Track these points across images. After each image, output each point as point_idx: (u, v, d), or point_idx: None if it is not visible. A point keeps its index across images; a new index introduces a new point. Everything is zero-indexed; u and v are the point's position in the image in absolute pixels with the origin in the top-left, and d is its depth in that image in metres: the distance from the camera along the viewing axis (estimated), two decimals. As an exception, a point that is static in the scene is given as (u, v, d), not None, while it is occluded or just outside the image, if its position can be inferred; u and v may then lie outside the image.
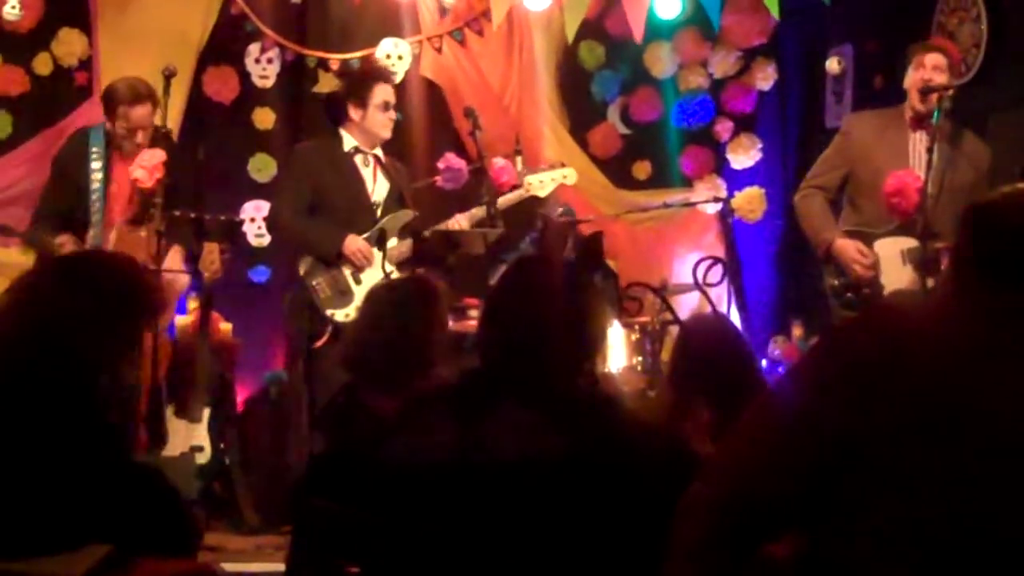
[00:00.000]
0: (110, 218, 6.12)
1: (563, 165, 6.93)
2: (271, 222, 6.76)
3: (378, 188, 6.34)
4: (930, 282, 5.51)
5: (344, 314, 6.07)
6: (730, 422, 2.32)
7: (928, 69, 5.92)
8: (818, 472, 2.14)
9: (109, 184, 6.14)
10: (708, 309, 6.67)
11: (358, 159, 6.32)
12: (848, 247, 5.87)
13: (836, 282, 5.95)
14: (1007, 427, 2.05)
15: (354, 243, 6.12)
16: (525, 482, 2.76)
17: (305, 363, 6.24)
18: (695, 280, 6.64)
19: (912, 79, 5.99)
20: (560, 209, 7.55)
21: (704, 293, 6.61)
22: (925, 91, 5.86)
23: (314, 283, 6.11)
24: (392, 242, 6.17)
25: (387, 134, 6.36)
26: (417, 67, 8.03)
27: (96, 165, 6.16)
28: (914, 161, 5.94)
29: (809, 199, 6.16)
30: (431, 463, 2.86)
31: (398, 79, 7.62)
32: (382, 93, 6.30)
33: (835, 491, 2.12)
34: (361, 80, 6.44)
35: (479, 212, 6.28)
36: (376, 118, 6.28)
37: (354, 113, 6.28)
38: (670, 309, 6.31)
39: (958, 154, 5.85)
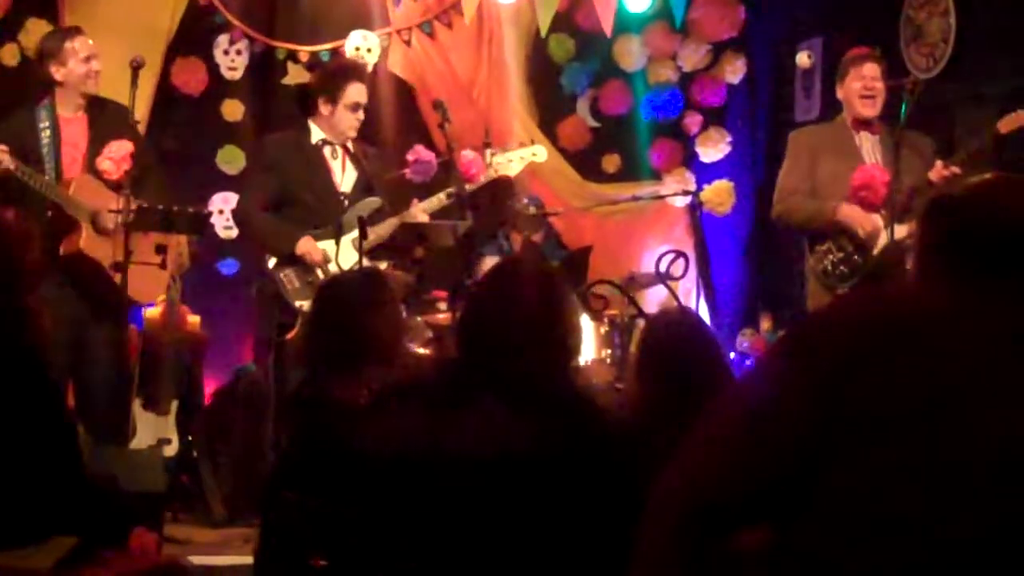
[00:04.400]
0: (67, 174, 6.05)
1: (532, 143, 6.93)
2: (236, 216, 6.75)
3: (346, 179, 6.32)
4: (900, 231, 5.68)
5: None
6: (696, 414, 2.33)
7: (868, 79, 6.02)
8: (788, 464, 2.14)
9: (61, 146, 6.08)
10: (674, 302, 6.69)
11: (326, 151, 6.29)
12: (855, 209, 5.88)
13: (828, 262, 5.94)
14: (984, 418, 2.06)
15: (307, 244, 6.08)
16: (497, 476, 2.77)
17: (274, 355, 6.23)
18: (658, 273, 6.65)
19: (850, 88, 6.07)
20: (525, 200, 7.56)
21: (667, 287, 6.63)
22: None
23: (282, 275, 6.09)
24: (358, 231, 6.15)
25: (353, 134, 6.33)
26: (386, 60, 8.02)
27: (45, 123, 6.10)
28: (868, 159, 6.02)
29: (791, 200, 6.16)
30: (403, 454, 2.87)
31: (367, 74, 7.61)
32: (354, 93, 6.27)
33: (806, 483, 2.12)
34: (335, 76, 6.40)
35: (440, 200, 6.27)
36: (344, 117, 6.25)
37: (324, 108, 6.25)
38: (635, 305, 6.32)
39: (904, 147, 5.90)
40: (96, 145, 6.05)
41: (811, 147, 6.17)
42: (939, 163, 5.77)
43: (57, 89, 6.10)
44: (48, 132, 5.99)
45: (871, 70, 6.06)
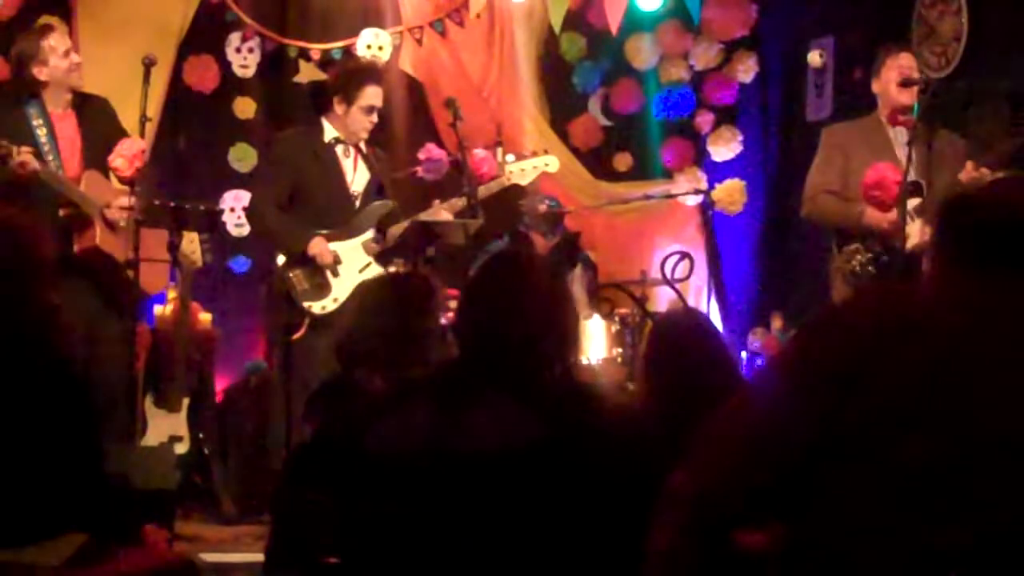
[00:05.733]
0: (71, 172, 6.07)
1: (545, 152, 6.93)
2: (249, 212, 6.76)
3: (358, 179, 6.31)
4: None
5: (321, 307, 6.04)
6: (704, 414, 2.33)
7: (905, 67, 6.01)
8: (799, 462, 2.15)
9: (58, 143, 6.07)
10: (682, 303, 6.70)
11: (339, 149, 6.28)
12: (878, 212, 5.88)
13: (856, 263, 5.93)
14: (993, 416, 2.06)
15: (318, 245, 6.07)
16: (504, 470, 2.77)
17: (283, 355, 6.23)
18: (663, 275, 6.65)
19: (887, 77, 6.05)
20: (547, 201, 7.57)
21: (674, 288, 6.63)
22: (906, 83, 5.92)
23: (291, 275, 6.08)
24: (369, 233, 6.17)
25: (365, 135, 6.31)
26: (397, 58, 8.03)
27: (38, 122, 6.10)
28: (900, 153, 6.00)
29: (821, 199, 6.14)
30: (410, 451, 2.87)
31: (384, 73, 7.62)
32: (371, 96, 6.25)
33: (816, 481, 2.13)
34: (353, 77, 6.38)
35: (460, 203, 6.26)
36: (358, 118, 6.23)
37: (338, 107, 6.24)
38: (642, 307, 6.33)
39: (936, 148, 5.90)
40: (89, 140, 6.07)
41: (843, 144, 6.14)
42: (969, 164, 5.74)
43: (43, 88, 6.09)
44: (44, 130, 6.00)
45: (908, 59, 6.06)
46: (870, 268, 5.89)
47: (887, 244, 5.85)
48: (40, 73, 6.03)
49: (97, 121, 6.16)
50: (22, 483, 3.27)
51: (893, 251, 5.83)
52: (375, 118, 6.29)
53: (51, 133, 6.01)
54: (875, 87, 6.16)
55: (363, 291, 4.36)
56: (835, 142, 6.21)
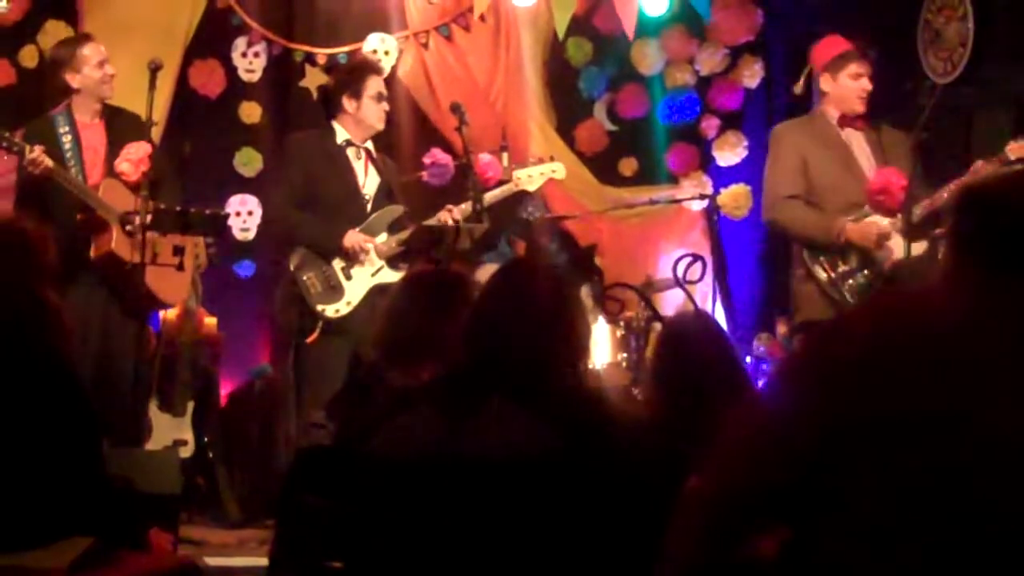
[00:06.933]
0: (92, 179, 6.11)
1: (552, 160, 6.93)
2: (269, 213, 6.75)
3: (369, 181, 6.32)
4: (916, 248, 5.57)
5: (334, 310, 6.04)
6: (712, 418, 2.33)
7: (864, 76, 6.03)
8: (810, 467, 2.14)
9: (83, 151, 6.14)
10: (691, 306, 6.69)
11: (350, 152, 6.29)
12: (868, 225, 5.84)
13: (835, 274, 5.90)
14: (1000, 421, 2.05)
15: (354, 237, 6.09)
16: (511, 477, 2.77)
17: (295, 358, 6.23)
18: (675, 277, 6.65)
19: (844, 85, 6.05)
20: (531, 208, 7.59)
21: (685, 290, 6.62)
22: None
23: (305, 278, 6.08)
24: (381, 237, 6.17)
25: (381, 125, 6.36)
26: (398, 64, 8.03)
27: (64, 129, 6.12)
28: (859, 157, 5.99)
29: (788, 207, 6.08)
30: (416, 457, 2.87)
31: (384, 73, 7.62)
32: (375, 84, 6.31)
33: (826, 486, 2.12)
34: (355, 72, 6.43)
35: (468, 208, 6.27)
36: (371, 109, 6.27)
37: (348, 105, 6.26)
38: (652, 308, 6.31)
39: (887, 143, 5.91)
40: (115, 150, 6.12)
41: (798, 145, 6.07)
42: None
43: (74, 96, 6.19)
44: (69, 137, 6.06)
45: (865, 67, 6.05)
46: (850, 282, 5.86)
47: (865, 257, 5.83)
48: (72, 80, 6.14)
49: (127, 134, 6.21)
50: (24, 486, 3.28)
51: (873, 265, 5.81)
52: (387, 106, 6.33)
53: (76, 140, 6.08)
54: (825, 86, 6.12)
55: (411, 287, 4.30)
56: (789, 142, 6.14)
